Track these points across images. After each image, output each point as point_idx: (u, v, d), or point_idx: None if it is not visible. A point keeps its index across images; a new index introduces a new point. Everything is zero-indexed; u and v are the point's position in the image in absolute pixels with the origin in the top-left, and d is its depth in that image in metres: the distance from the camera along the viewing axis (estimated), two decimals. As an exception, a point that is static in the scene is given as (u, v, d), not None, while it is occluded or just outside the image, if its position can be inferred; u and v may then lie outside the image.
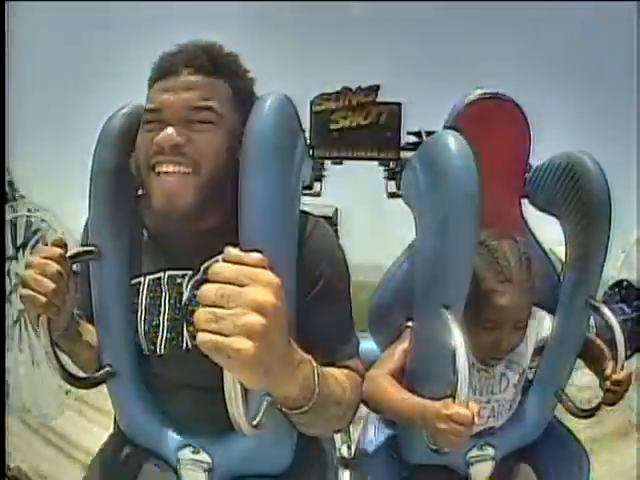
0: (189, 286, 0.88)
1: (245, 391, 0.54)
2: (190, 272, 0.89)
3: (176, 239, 0.89)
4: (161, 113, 0.82)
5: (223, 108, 0.83)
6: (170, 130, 0.80)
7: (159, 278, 0.90)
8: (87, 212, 0.94)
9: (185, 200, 0.81)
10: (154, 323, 0.90)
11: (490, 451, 1.12)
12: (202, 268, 0.87)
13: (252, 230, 0.81)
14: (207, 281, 0.53)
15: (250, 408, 0.58)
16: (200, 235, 0.86)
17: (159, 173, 0.81)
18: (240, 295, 0.49)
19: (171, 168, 0.80)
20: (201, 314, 0.49)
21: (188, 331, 0.88)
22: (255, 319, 0.49)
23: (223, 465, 0.92)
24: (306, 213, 0.91)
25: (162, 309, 0.90)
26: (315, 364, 0.68)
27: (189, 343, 0.88)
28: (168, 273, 0.89)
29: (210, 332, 0.49)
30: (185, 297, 0.88)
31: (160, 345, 0.90)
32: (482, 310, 1.02)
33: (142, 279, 0.91)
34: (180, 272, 0.89)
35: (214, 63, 0.85)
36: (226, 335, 0.49)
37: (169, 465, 0.94)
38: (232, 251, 0.52)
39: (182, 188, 0.81)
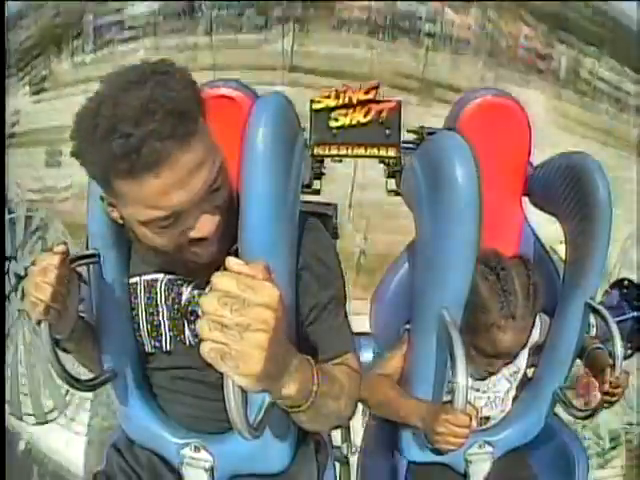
0: (189, 287, 0.88)
1: (245, 395, 0.54)
2: (188, 279, 0.88)
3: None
4: (169, 218, 0.73)
5: (213, 159, 0.73)
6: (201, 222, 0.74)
7: (155, 280, 0.90)
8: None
9: None
10: (155, 322, 0.91)
11: (489, 449, 1.12)
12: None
13: (252, 231, 0.81)
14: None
15: (250, 411, 0.59)
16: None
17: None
18: (243, 306, 0.49)
19: None
20: (204, 324, 0.49)
21: (189, 329, 0.89)
22: (259, 330, 0.50)
23: (224, 464, 0.92)
24: (302, 212, 0.90)
25: (160, 309, 0.90)
26: (313, 363, 0.69)
27: (191, 340, 0.89)
28: (167, 277, 0.89)
29: (214, 342, 0.49)
30: (184, 298, 0.88)
31: (165, 342, 0.91)
32: (481, 340, 1.02)
33: (138, 279, 0.91)
34: (177, 276, 0.89)
35: (187, 120, 0.68)
36: (231, 345, 0.49)
37: (171, 464, 0.94)
38: (233, 261, 0.52)
39: None
